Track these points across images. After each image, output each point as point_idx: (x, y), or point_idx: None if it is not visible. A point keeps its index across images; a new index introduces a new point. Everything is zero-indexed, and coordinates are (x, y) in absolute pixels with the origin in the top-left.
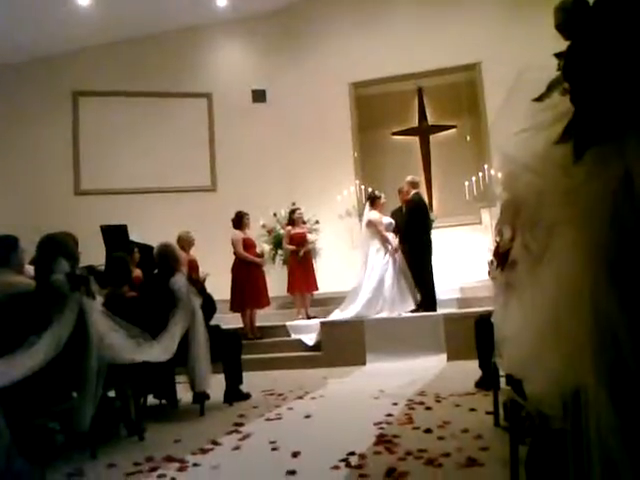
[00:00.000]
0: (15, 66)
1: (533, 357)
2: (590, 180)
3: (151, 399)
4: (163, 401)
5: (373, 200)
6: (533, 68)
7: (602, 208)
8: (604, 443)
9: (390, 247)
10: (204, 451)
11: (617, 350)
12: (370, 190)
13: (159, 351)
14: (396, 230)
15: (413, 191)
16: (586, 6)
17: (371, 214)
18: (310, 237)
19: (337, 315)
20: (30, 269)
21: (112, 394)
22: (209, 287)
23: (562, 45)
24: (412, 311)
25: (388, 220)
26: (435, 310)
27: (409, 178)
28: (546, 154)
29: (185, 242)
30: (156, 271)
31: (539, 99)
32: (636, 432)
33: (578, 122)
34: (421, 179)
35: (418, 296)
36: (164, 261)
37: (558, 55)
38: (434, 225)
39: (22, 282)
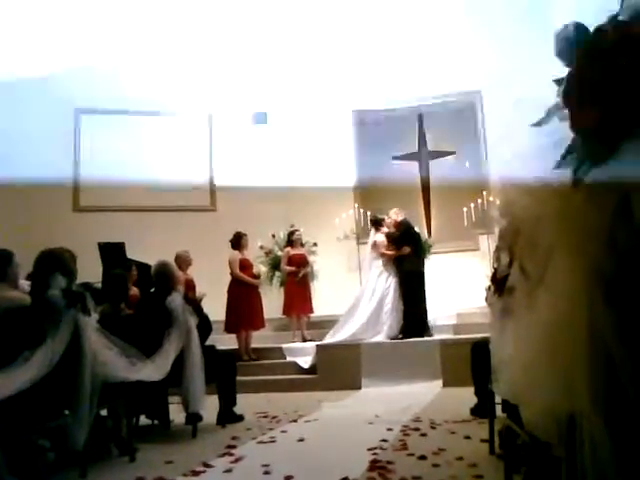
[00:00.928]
0: (18, 80)
1: (529, 382)
2: (588, 204)
3: (143, 419)
4: (155, 421)
5: (378, 223)
6: (531, 94)
7: (599, 232)
8: (599, 470)
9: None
10: (195, 473)
11: (613, 376)
12: (373, 214)
13: (153, 370)
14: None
15: (401, 217)
16: (586, 34)
17: (376, 236)
18: (310, 258)
19: (331, 337)
20: (25, 284)
21: (104, 413)
22: (205, 307)
23: (562, 73)
24: (402, 337)
25: None
26: (423, 334)
27: (394, 209)
28: (545, 178)
29: (183, 261)
30: (153, 289)
31: (538, 124)
32: (631, 459)
33: (577, 147)
34: (420, 204)
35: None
36: (161, 279)
37: (558, 81)
38: (432, 250)
39: (17, 297)
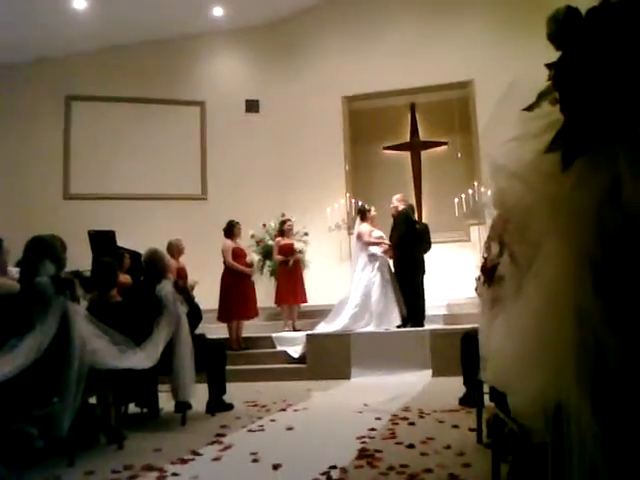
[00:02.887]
0: (8, 66)
1: (517, 369)
2: (577, 189)
3: (132, 407)
4: (144, 409)
5: (363, 213)
6: (524, 78)
7: (588, 217)
8: (586, 456)
9: (384, 246)
10: (184, 461)
11: (601, 363)
12: (360, 204)
13: (142, 358)
14: (391, 244)
15: (402, 206)
16: (578, 17)
17: (361, 227)
18: (297, 246)
19: (323, 328)
20: (14, 271)
21: (93, 401)
22: (198, 296)
23: (554, 59)
24: (398, 326)
25: (378, 233)
26: (422, 326)
27: (395, 197)
28: (535, 163)
29: (175, 249)
30: (143, 277)
31: (529, 108)
32: (618, 444)
33: (567, 131)
34: (411, 194)
35: (405, 311)
36: (151, 267)
37: (549, 65)
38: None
39: (6, 283)
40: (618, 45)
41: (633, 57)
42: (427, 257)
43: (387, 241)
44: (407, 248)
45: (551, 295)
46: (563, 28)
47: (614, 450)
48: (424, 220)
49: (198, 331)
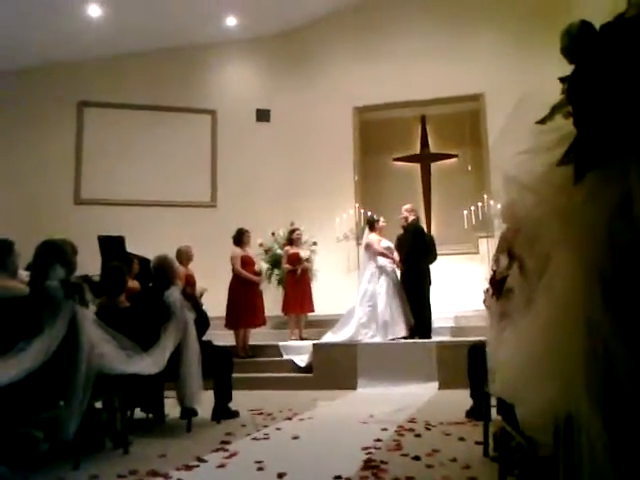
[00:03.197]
0: (23, 72)
1: (526, 380)
2: (588, 202)
3: (138, 412)
4: (150, 415)
5: (372, 224)
6: (535, 92)
7: (599, 230)
8: (596, 467)
9: (394, 261)
10: (189, 467)
11: (612, 375)
12: (369, 214)
13: (149, 364)
14: (400, 259)
15: (412, 217)
16: (592, 31)
17: (369, 237)
18: (303, 255)
19: (330, 338)
20: (24, 274)
21: (99, 405)
22: (206, 303)
23: (567, 73)
24: (405, 337)
25: (387, 243)
26: (429, 337)
27: (406, 207)
28: (547, 175)
29: (184, 256)
30: (151, 283)
31: (542, 121)
32: (629, 458)
33: (580, 145)
34: (420, 206)
35: (412, 321)
36: (160, 273)
37: (562, 79)
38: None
39: (16, 286)
40: (632, 60)
41: None
42: (435, 269)
43: (396, 254)
44: (416, 259)
45: (561, 307)
46: (577, 42)
47: (625, 461)
48: (433, 232)
49: (205, 338)
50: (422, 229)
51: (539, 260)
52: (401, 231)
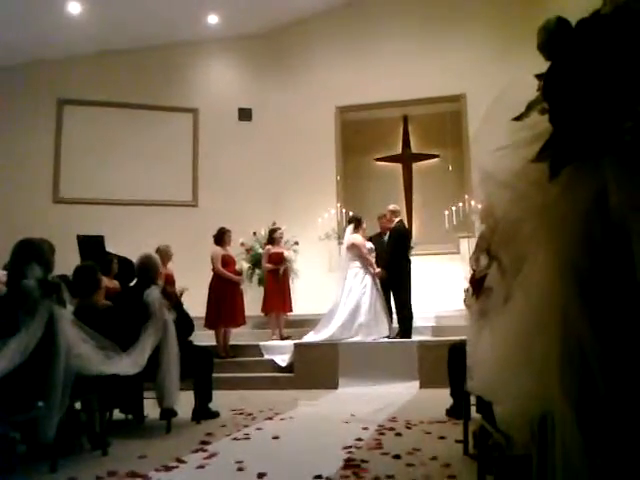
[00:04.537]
0: (0, 68)
1: (502, 378)
2: (564, 197)
3: (117, 413)
4: (129, 416)
5: (358, 222)
6: (513, 88)
7: (575, 224)
8: (570, 465)
9: (372, 270)
10: (168, 468)
11: (586, 373)
12: (352, 213)
13: (128, 364)
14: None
15: (396, 219)
16: (568, 28)
17: (354, 237)
18: (287, 254)
19: (311, 337)
20: (1, 274)
21: (78, 406)
22: (186, 302)
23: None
24: (388, 337)
25: (369, 245)
26: (410, 337)
27: (392, 206)
28: (523, 171)
29: (164, 255)
30: (133, 282)
31: (518, 118)
32: (603, 457)
33: (555, 141)
34: (402, 206)
35: (394, 322)
36: (143, 272)
37: (539, 76)
38: (412, 252)
39: None
40: (607, 56)
41: (622, 68)
42: (416, 269)
43: (375, 264)
44: (399, 261)
45: (536, 303)
46: (553, 38)
47: (598, 460)
48: (414, 232)
49: None
50: (407, 232)
51: (515, 257)
52: (378, 230)
